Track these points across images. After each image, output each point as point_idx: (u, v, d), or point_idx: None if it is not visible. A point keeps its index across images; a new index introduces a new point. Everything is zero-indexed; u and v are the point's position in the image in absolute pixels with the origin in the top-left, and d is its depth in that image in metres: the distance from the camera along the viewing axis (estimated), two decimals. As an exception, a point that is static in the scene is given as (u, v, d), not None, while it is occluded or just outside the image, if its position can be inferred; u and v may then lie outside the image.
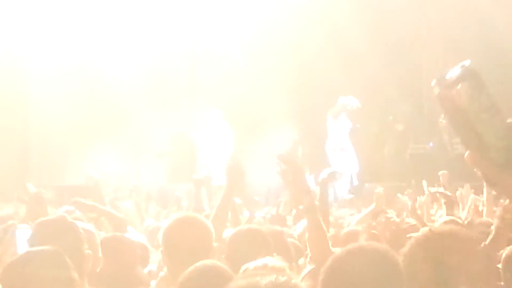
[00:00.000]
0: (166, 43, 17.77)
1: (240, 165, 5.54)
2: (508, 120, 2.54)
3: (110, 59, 16.90)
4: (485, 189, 8.39)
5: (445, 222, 6.44)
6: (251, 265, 3.30)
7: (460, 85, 2.52)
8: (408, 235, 4.74)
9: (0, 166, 16.93)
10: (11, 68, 17.23)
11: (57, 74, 17.26)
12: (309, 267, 4.57)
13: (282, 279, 2.37)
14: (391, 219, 5.11)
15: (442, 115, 17.83)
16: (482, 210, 8.09)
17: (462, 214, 8.55)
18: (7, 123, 17.49)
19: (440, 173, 9.76)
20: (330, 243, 4.27)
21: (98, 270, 3.95)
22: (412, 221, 5.82)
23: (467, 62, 2.62)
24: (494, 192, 8.62)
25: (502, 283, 4.07)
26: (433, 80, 2.68)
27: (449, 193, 8.54)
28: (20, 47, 17.60)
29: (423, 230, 3.14)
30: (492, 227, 5.60)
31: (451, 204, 8.37)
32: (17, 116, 17.69)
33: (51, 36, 17.49)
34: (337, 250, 3.43)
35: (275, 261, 3.09)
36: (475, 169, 2.55)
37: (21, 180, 17.50)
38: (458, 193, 9.54)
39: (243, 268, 3.38)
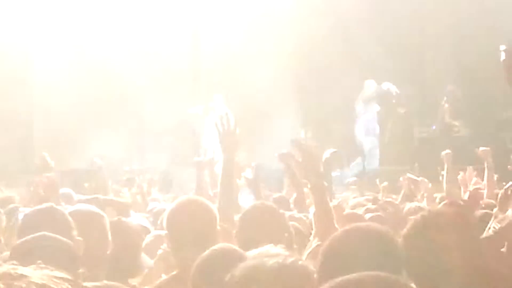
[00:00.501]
0: (169, 27, 17.75)
1: (234, 132, 5.34)
2: None
3: (113, 44, 16.91)
4: (486, 172, 8.42)
5: (445, 204, 6.48)
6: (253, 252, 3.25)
7: None
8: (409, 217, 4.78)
9: (5, 150, 16.98)
10: (14, 53, 17.25)
11: (61, 59, 17.27)
12: (314, 245, 4.56)
13: (289, 259, 2.37)
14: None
15: (445, 98, 17.93)
16: (483, 193, 8.11)
17: (465, 196, 8.56)
18: (11, 107, 17.52)
19: (443, 153, 9.74)
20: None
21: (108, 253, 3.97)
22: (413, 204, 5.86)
23: None
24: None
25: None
26: (502, 46, 2.70)
27: (417, 178, 8.68)
28: (24, 32, 17.61)
29: (423, 212, 3.16)
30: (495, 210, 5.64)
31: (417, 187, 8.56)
32: (21, 101, 17.72)
33: (55, 21, 17.49)
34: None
35: (277, 248, 3.06)
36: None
37: (25, 165, 17.60)
38: (460, 176, 9.57)
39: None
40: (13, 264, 1.44)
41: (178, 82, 17.95)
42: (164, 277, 4.09)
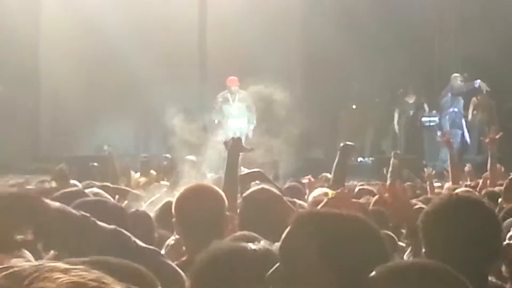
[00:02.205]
0: (176, 14, 17.72)
1: (239, 143, 5.77)
2: None
3: (120, 32, 16.89)
4: (489, 160, 8.41)
5: (449, 190, 6.56)
6: None
7: None
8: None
9: (12, 138, 17.04)
10: (22, 42, 17.27)
11: (68, 48, 17.28)
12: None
13: (265, 247, 2.37)
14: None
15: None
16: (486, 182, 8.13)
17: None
18: (18, 96, 17.57)
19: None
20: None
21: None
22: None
23: None
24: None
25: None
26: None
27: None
28: (31, 22, 17.63)
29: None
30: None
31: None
32: (28, 89, 17.76)
33: (63, 9, 17.50)
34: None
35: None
36: None
37: (33, 152, 17.68)
38: (467, 167, 9.60)
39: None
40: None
41: (186, 69, 17.95)
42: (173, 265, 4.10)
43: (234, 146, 5.88)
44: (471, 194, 3.38)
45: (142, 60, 17.09)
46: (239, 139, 6.05)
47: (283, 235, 2.45)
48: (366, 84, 18.03)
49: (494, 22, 16.75)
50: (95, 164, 11.99)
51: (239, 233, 3.67)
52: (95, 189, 5.59)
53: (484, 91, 17.10)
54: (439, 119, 17.58)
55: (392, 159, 9.87)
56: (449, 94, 17.49)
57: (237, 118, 15.86)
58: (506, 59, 16.89)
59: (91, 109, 17.40)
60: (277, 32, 17.67)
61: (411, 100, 17.76)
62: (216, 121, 15.90)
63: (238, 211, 4.51)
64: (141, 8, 17.49)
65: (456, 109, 17.52)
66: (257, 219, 4.12)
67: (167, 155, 13.81)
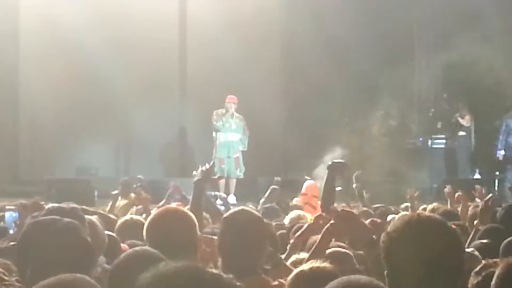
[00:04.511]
0: (156, 35, 17.71)
1: (208, 174, 5.87)
2: None
3: (100, 52, 16.84)
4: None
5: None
6: None
7: None
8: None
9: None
10: (1, 61, 17.18)
11: (47, 69, 17.21)
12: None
13: (187, 265, 2.32)
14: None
15: (432, 110, 18.03)
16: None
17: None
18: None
19: None
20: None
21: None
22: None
23: None
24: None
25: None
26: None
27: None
28: (10, 40, 17.56)
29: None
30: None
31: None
32: (7, 111, 17.67)
33: (42, 29, 17.44)
34: None
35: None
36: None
37: (12, 175, 17.56)
38: (446, 189, 9.62)
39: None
40: None
41: (166, 89, 17.93)
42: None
43: (201, 178, 5.90)
44: (433, 214, 3.37)
45: (122, 80, 17.06)
46: (208, 171, 6.01)
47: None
48: (346, 103, 18.04)
49: (475, 42, 16.84)
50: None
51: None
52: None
53: None
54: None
55: (354, 184, 9.86)
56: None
57: (234, 132, 15.83)
58: (486, 79, 17.00)
59: (71, 131, 17.30)
60: (258, 52, 17.71)
61: (394, 122, 17.80)
62: (214, 134, 15.86)
63: (218, 232, 4.50)
64: (121, 29, 17.45)
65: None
66: (237, 241, 4.11)
67: (140, 176, 13.77)
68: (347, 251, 4.70)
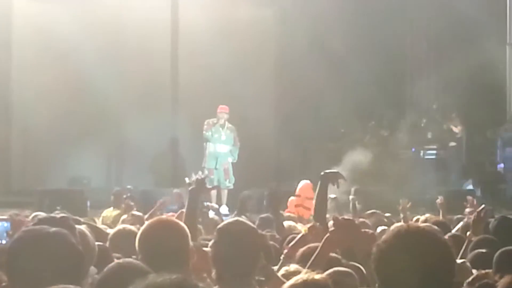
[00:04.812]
0: (149, 45, 17.70)
1: (202, 184, 5.86)
2: None
3: (92, 63, 16.82)
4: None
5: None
6: None
7: None
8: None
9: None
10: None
11: (40, 79, 17.18)
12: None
13: (178, 278, 2.31)
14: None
15: (424, 120, 18.08)
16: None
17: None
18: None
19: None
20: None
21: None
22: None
23: None
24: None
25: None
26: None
27: None
28: (1, 51, 17.53)
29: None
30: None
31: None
32: (0, 120, 17.63)
33: (35, 40, 17.43)
34: None
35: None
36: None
37: (4, 185, 17.50)
38: (438, 200, 9.64)
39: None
40: None
41: (158, 101, 17.91)
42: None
43: (196, 188, 5.89)
44: (424, 225, 3.36)
45: (115, 90, 17.04)
46: (202, 180, 6.00)
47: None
48: (338, 115, 18.06)
49: (468, 54, 16.90)
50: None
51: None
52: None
53: None
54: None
55: (351, 196, 9.86)
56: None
57: (223, 144, 15.74)
58: (478, 91, 17.05)
59: (64, 140, 17.27)
60: (251, 62, 17.73)
61: (385, 132, 17.83)
62: (205, 144, 15.77)
63: (212, 242, 4.48)
64: (113, 38, 17.46)
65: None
66: (231, 251, 4.10)
67: (129, 187, 13.73)
68: (348, 269, 4.64)
